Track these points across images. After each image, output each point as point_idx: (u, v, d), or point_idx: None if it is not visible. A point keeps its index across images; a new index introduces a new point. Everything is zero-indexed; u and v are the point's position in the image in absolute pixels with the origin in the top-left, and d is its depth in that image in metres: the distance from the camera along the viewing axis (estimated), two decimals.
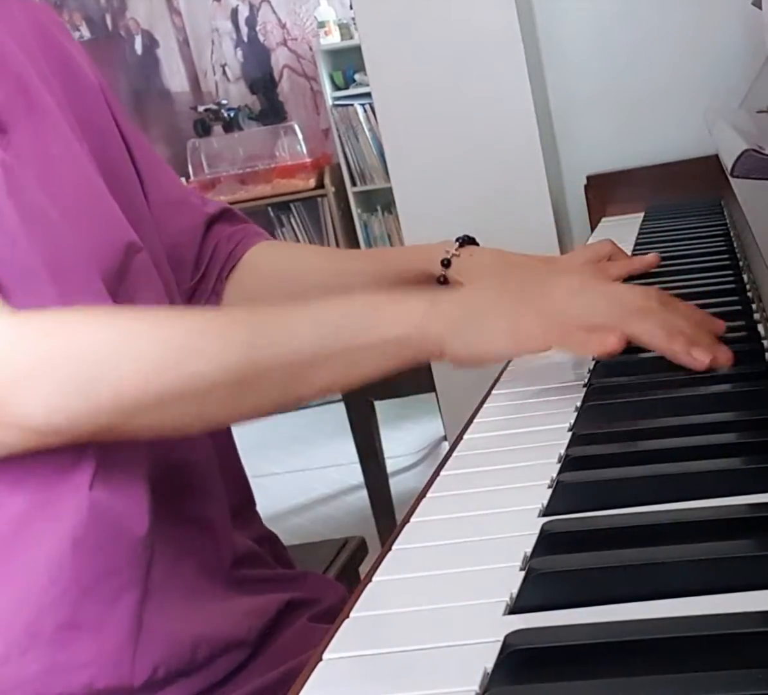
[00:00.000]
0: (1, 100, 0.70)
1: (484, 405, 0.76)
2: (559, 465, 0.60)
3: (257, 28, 4.42)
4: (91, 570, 0.64)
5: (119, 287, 0.73)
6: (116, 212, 0.76)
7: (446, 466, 0.65)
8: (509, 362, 0.86)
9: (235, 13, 4.42)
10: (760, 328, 0.78)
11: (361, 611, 0.46)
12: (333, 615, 0.47)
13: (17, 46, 0.74)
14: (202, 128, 4.46)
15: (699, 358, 0.68)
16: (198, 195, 0.98)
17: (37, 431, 0.61)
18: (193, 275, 0.93)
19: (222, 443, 0.82)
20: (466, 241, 0.96)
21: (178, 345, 0.64)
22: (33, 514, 0.64)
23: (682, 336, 0.69)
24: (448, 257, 0.94)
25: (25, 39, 0.75)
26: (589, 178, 1.82)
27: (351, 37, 4.03)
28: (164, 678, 0.67)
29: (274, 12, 4.39)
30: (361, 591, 0.47)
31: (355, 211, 4.24)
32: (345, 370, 0.68)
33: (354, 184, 4.20)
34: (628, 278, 0.98)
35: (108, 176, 0.77)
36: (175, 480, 0.73)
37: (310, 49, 4.29)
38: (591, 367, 0.77)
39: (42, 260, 0.66)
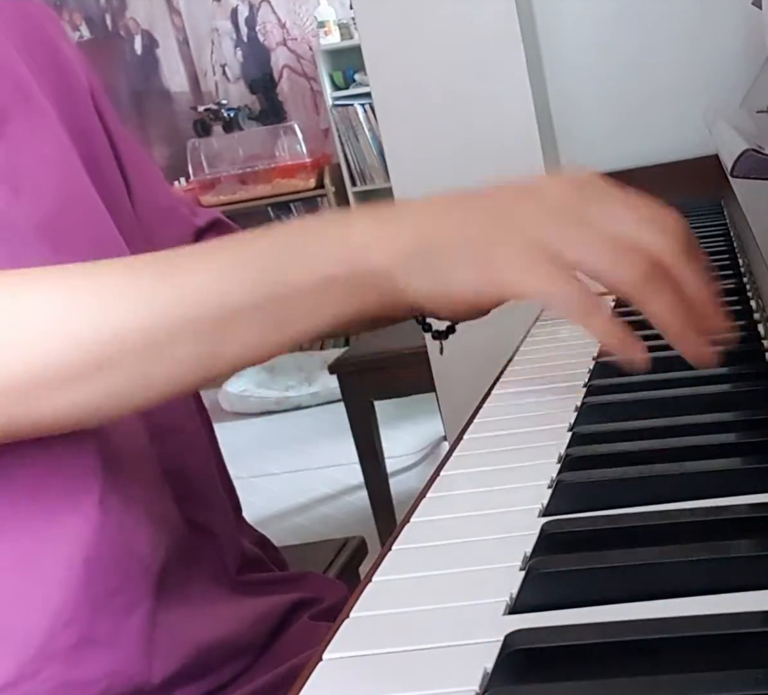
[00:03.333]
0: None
1: (484, 405, 0.76)
2: (559, 465, 0.60)
3: (257, 28, 4.42)
4: (103, 588, 0.64)
5: None
6: (106, 220, 0.74)
7: (446, 466, 0.65)
8: (509, 361, 0.86)
9: (234, 13, 4.43)
10: (760, 328, 0.78)
11: (361, 611, 0.46)
12: (334, 614, 0.47)
13: (12, 44, 0.73)
14: (202, 128, 4.47)
15: (705, 355, 0.57)
16: (189, 204, 0.96)
17: None
18: None
19: (213, 447, 0.82)
20: None
21: (61, 309, 0.53)
22: (42, 538, 0.63)
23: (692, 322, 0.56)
24: None
25: (17, 39, 0.74)
26: None
27: (351, 37, 4.04)
28: (176, 683, 0.67)
29: (274, 12, 4.39)
30: (361, 591, 0.47)
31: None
32: (275, 324, 0.55)
33: (354, 184, 4.20)
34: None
35: (97, 184, 0.76)
36: (179, 488, 0.73)
37: (310, 49, 4.30)
38: (591, 367, 0.77)
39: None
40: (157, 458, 0.70)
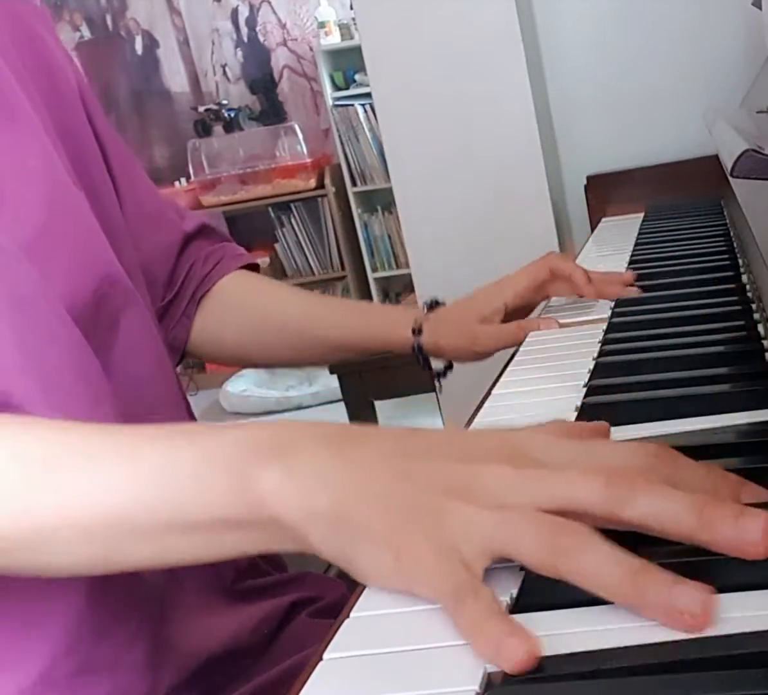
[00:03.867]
0: None
1: (484, 405, 0.76)
2: None
3: (257, 28, 4.42)
4: (106, 618, 0.64)
5: (99, 311, 0.70)
6: (95, 230, 0.73)
7: None
8: (509, 362, 0.86)
9: (235, 13, 4.43)
10: (760, 328, 0.78)
11: (361, 611, 0.46)
12: (333, 611, 0.47)
13: None
14: (203, 128, 4.47)
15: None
16: (177, 208, 0.96)
17: None
18: (165, 294, 0.91)
19: None
20: (434, 304, 0.97)
21: None
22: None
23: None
24: (417, 325, 0.94)
25: (4, 41, 0.73)
26: (589, 178, 1.82)
27: (351, 38, 4.04)
28: (176, 691, 0.68)
29: (274, 12, 4.39)
30: (361, 591, 0.47)
31: (356, 211, 4.24)
32: (160, 550, 0.51)
33: (354, 184, 4.20)
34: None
35: (87, 188, 0.75)
36: None
37: (311, 49, 4.30)
38: (591, 367, 0.77)
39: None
40: None
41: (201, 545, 0.50)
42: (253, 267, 1.00)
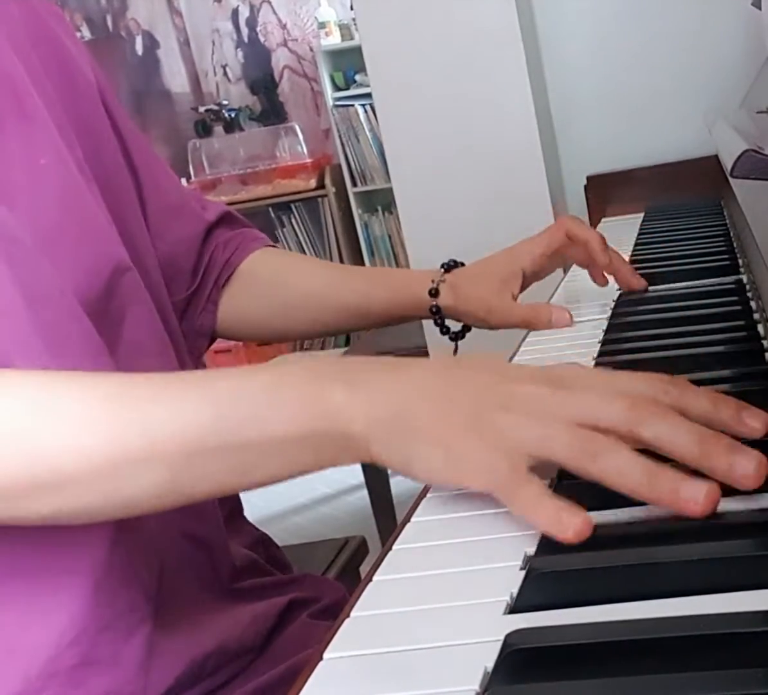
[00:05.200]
0: None
1: None
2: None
3: (258, 28, 4.42)
4: (110, 610, 0.65)
5: (107, 308, 0.71)
6: (106, 227, 0.74)
7: None
8: (509, 362, 0.86)
9: (235, 13, 4.43)
10: (760, 328, 0.78)
11: (361, 611, 0.46)
12: (332, 613, 0.47)
13: (10, 47, 0.72)
14: (203, 129, 4.47)
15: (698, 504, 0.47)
16: (199, 198, 0.97)
17: None
18: (190, 284, 0.92)
19: None
20: (452, 266, 0.97)
21: (26, 424, 0.54)
22: (55, 565, 0.63)
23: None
24: (435, 286, 0.94)
25: (20, 38, 0.74)
26: (589, 178, 1.82)
27: (351, 38, 4.04)
28: (175, 691, 0.68)
29: (274, 12, 4.39)
30: (362, 591, 0.47)
31: (356, 211, 4.24)
32: (240, 467, 0.56)
33: (354, 184, 4.20)
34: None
35: (102, 184, 0.76)
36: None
37: (311, 49, 4.30)
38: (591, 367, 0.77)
39: (16, 286, 0.63)
40: None
41: (274, 462, 0.56)
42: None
